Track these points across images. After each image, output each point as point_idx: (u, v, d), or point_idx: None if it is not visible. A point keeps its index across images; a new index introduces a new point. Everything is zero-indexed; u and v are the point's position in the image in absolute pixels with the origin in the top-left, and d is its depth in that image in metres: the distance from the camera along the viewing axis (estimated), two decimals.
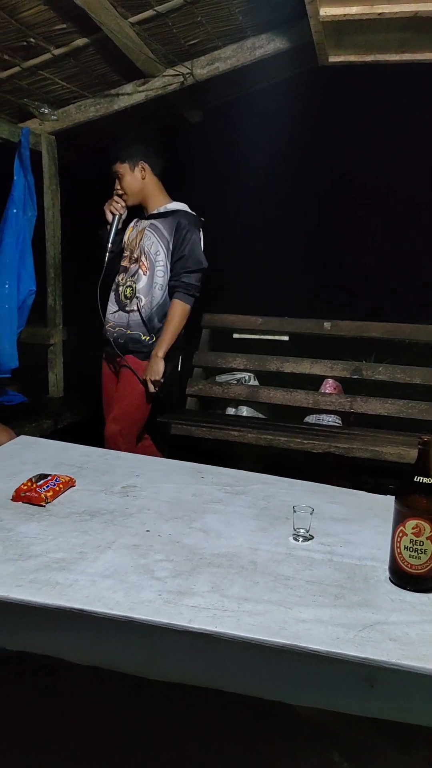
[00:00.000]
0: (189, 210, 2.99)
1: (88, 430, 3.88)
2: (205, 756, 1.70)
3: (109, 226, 2.96)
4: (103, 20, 2.94)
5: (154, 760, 1.70)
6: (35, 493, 1.75)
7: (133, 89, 3.67)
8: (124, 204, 2.95)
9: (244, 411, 4.03)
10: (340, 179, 6.11)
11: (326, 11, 2.81)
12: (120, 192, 2.95)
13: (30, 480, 1.81)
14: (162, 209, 2.95)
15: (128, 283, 2.95)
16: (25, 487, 1.77)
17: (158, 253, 2.90)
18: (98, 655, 1.25)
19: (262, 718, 1.63)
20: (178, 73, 3.55)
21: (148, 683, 1.29)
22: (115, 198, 2.95)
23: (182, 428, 3.53)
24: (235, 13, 3.23)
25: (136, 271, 2.94)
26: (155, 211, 2.95)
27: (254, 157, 5.06)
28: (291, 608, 1.26)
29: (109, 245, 2.95)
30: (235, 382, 4.08)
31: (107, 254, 2.95)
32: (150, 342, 2.91)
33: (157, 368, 2.85)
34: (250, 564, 1.45)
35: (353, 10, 2.79)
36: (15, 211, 3.61)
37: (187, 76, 3.54)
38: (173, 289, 2.90)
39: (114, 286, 3.04)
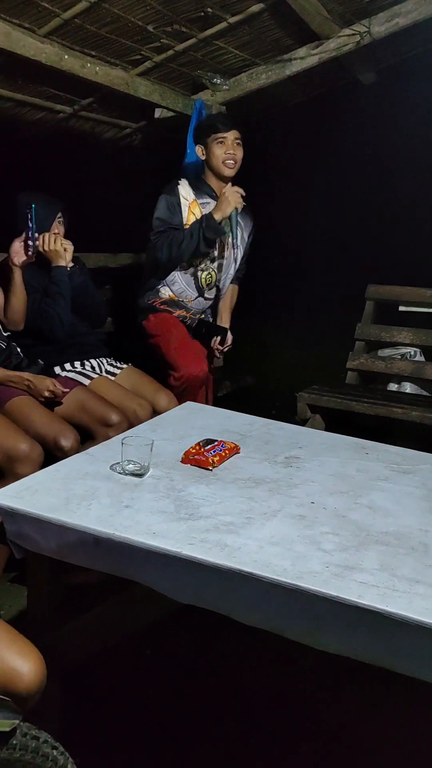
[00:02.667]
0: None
1: (248, 399, 3.95)
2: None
3: (226, 221, 2.94)
4: None
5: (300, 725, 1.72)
6: (203, 457, 1.81)
7: (306, 53, 3.58)
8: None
9: (408, 388, 3.87)
10: None
11: None
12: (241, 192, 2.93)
13: (198, 444, 1.87)
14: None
15: (209, 271, 3.05)
16: (194, 451, 1.84)
17: (238, 249, 3.11)
18: (265, 618, 1.28)
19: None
20: (354, 32, 3.41)
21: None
22: (239, 190, 2.93)
23: (340, 402, 3.47)
24: None
25: (218, 260, 3.06)
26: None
27: None
28: None
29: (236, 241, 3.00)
30: (399, 357, 3.92)
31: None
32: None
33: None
34: (420, 545, 1.40)
35: None
36: None
37: (364, 34, 3.38)
38: (236, 277, 3.20)
39: (189, 269, 3.05)
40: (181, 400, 2.83)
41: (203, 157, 3.04)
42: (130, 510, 1.50)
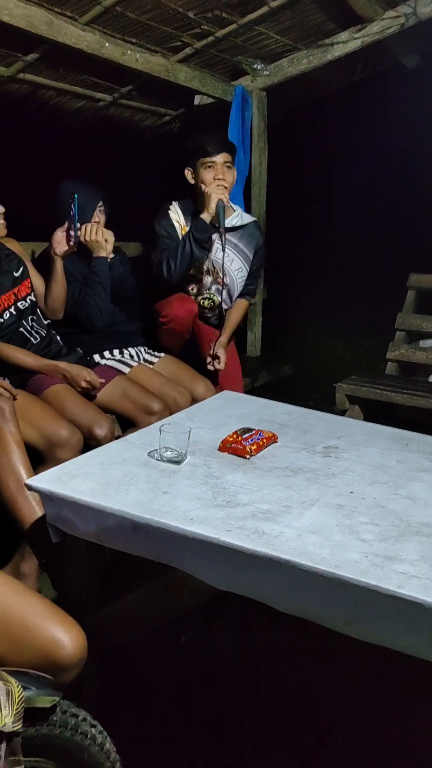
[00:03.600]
0: (253, 218, 3.06)
1: (285, 389, 3.93)
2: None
3: (214, 218, 2.79)
4: None
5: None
6: (240, 445, 1.80)
7: (349, 36, 3.52)
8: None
9: None
10: None
11: None
12: (224, 183, 2.81)
13: (235, 432, 1.87)
14: (237, 222, 2.97)
15: (207, 296, 2.98)
16: (231, 439, 1.83)
17: (240, 270, 3.00)
18: (303, 606, 1.27)
19: None
20: (399, 14, 3.33)
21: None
22: (222, 184, 2.80)
23: (380, 393, 3.42)
24: None
25: (213, 285, 2.97)
26: (231, 225, 2.94)
27: None
28: None
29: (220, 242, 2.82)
30: None
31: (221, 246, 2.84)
32: None
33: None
34: None
35: None
36: None
37: (409, 16, 3.31)
38: (242, 292, 3.06)
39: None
40: (169, 341, 2.87)
41: (192, 181, 2.89)
42: (168, 496, 1.51)
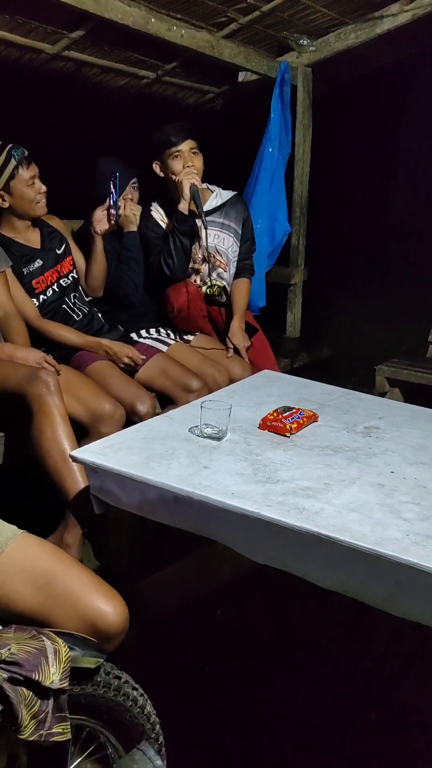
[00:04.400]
0: (232, 192, 3.00)
1: (325, 371, 3.91)
2: None
3: (192, 203, 2.73)
4: None
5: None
6: (281, 424, 1.81)
7: (399, 9, 3.42)
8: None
9: None
10: None
11: None
12: (193, 169, 2.74)
13: (276, 411, 1.87)
14: (218, 201, 2.93)
15: (210, 283, 2.93)
16: (272, 417, 1.84)
17: (231, 246, 2.96)
18: (342, 582, 1.28)
19: None
20: None
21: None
22: (191, 170, 2.73)
23: (421, 376, 3.39)
24: None
25: (214, 269, 2.93)
26: (211, 207, 2.91)
27: None
28: None
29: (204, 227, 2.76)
30: None
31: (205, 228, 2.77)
32: None
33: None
34: None
35: None
36: (270, 150, 3.64)
37: None
38: (239, 270, 3.02)
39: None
40: (194, 329, 2.86)
41: (162, 174, 2.83)
42: (209, 471, 1.53)
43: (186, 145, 2.76)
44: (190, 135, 2.78)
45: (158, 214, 2.89)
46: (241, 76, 3.77)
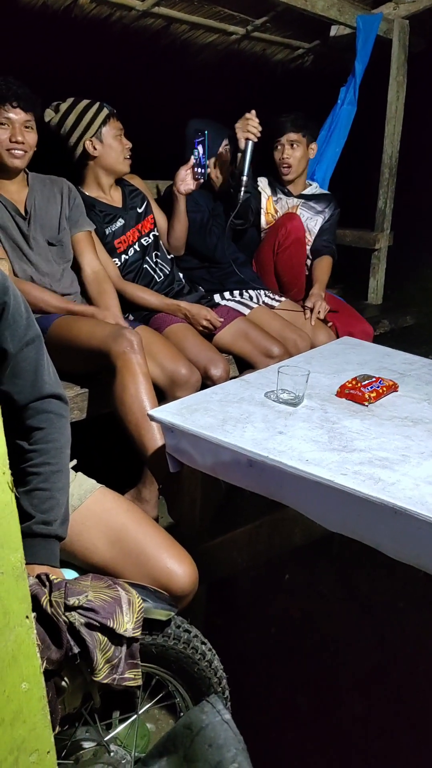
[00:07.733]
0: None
1: (407, 339, 3.79)
2: None
3: (240, 155, 2.62)
4: None
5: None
6: (359, 392, 1.77)
7: None
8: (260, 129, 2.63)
9: None
10: None
11: None
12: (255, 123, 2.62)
13: (355, 379, 1.84)
14: (312, 191, 3.16)
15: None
16: (350, 385, 1.81)
17: (317, 224, 3.16)
18: (415, 554, 1.26)
19: None
20: None
21: None
22: (253, 119, 2.60)
23: None
24: None
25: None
26: (307, 192, 3.14)
27: None
28: None
29: (245, 178, 2.63)
30: None
31: (242, 190, 2.64)
32: None
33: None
34: None
35: None
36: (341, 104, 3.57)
37: None
38: (322, 249, 3.16)
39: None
40: (290, 268, 2.95)
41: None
42: (284, 436, 1.52)
43: (287, 136, 2.97)
44: (292, 125, 2.97)
45: (261, 184, 3.09)
46: (334, 31, 3.61)
